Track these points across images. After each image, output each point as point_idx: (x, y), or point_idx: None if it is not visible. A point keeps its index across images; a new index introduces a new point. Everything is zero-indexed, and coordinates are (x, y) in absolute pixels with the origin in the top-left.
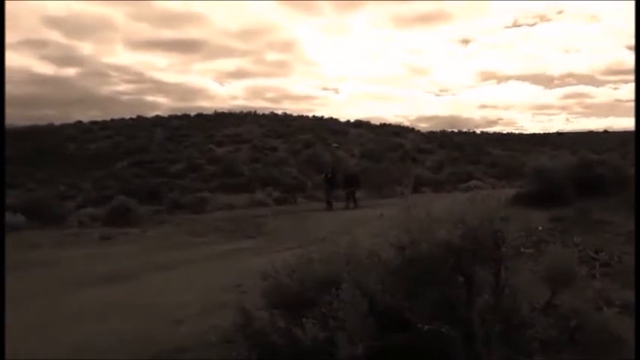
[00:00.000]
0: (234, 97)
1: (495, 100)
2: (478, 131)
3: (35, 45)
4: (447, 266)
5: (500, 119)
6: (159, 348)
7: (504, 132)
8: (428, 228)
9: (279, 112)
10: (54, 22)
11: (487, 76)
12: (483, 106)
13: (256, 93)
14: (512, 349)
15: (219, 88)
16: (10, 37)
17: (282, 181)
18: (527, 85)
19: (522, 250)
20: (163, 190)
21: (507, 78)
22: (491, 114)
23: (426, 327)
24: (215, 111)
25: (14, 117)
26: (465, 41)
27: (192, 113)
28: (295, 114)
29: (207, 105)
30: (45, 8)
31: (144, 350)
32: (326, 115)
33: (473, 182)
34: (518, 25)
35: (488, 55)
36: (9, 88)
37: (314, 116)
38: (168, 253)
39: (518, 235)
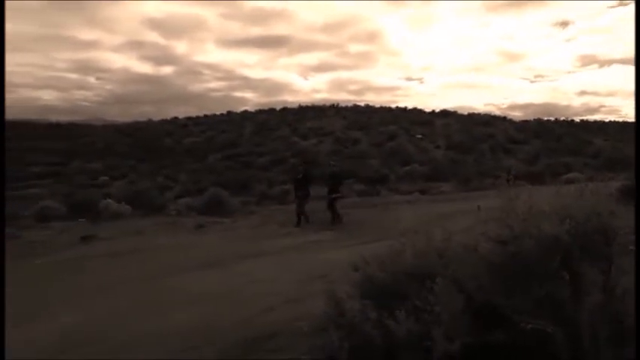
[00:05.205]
0: (318, 91)
1: (597, 86)
2: (577, 120)
3: (136, 46)
4: (553, 263)
5: (603, 107)
6: (253, 333)
7: (607, 120)
8: (532, 222)
9: (362, 104)
10: (153, 24)
11: (588, 61)
12: (583, 93)
13: (339, 86)
14: (622, 354)
15: (303, 83)
16: (113, 40)
17: (364, 173)
18: (632, 70)
19: (631, 248)
20: (252, 182)
21: (610, 62)
22: (592, 101)
23: (530, 326)
24: (299, 105)
25: (117, 114)
26: (564, 24)
27: (278, 107)
28: (378, 105)
29: (291, 99)
30: (145, 11)
31: (240, 335)
32: (410, 106)
33: (572, 174)
34: (625, 4)
35: (589, 38)
36: (113, 88)
37: (397, 107)
38: (257, 243)
39: (627, 231)
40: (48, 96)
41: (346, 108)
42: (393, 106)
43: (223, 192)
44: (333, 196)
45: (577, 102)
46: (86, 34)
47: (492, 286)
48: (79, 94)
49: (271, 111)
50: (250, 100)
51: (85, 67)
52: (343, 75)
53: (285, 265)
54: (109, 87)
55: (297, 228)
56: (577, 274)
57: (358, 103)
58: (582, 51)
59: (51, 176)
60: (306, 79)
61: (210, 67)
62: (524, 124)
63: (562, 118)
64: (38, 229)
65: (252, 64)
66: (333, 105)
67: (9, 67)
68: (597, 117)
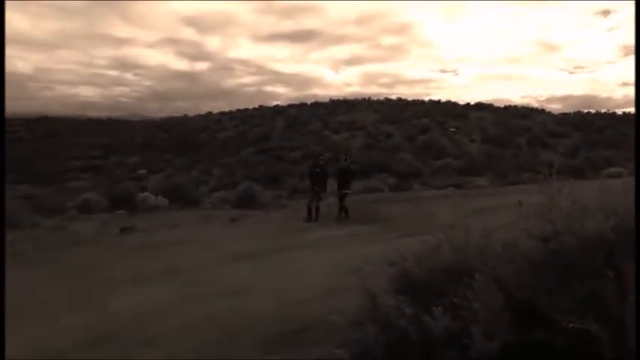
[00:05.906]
0: (349, 84)
1: None
2: (619, 112)
3: (172, 43)
4: (596, 260)
5: None
6: (287, 325)
7: None
8: (576, 219)
9: (394, 97)
10: (188, 21)
11: (630, 50)
12: (625, 84)
13: (370, 79)
14: None
15: (334, 76)
16: (150, 37)
17: (397, 167)
18: None
19: None
20: (283, 175)
21: None
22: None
23: (571, 325)
24: (330, 99)
25: (155, 110)
26: (605, 12)
27: (309, 102)
28: (410, 98)
29: (322, 93)
30: (180, 8)
31: (275, 327)
32: (443, 99)
33: (615, 169)
34: None
35: (632, 27)
36: (151, 84)
37: (430, 100)
38: (288, 236)
39: None
40: (89, 92)
41: (378, 101)
42: (426, 98)
43: (256, 186)
44: (343, 191)
45: (619, 94)
46: (122, 32)
47: (533, 283)
48: (118, 90)
49: (303, 105)
50: (282, 94)
51: (123, 64)
52: (375, 68)
53: (317, 259)
54: (146, 83)
55: (316, 222)
56: (622, 272)
57: (390, 97)
58: (625, 40)
59: (92, 170)
60: (337, 72)
61: (242, 62)
62: (564, 116)
63: (603, 111)
64: (81, 220)
65: (283, 58)
66: (365, 98)
67: (50, 64)
68: None
